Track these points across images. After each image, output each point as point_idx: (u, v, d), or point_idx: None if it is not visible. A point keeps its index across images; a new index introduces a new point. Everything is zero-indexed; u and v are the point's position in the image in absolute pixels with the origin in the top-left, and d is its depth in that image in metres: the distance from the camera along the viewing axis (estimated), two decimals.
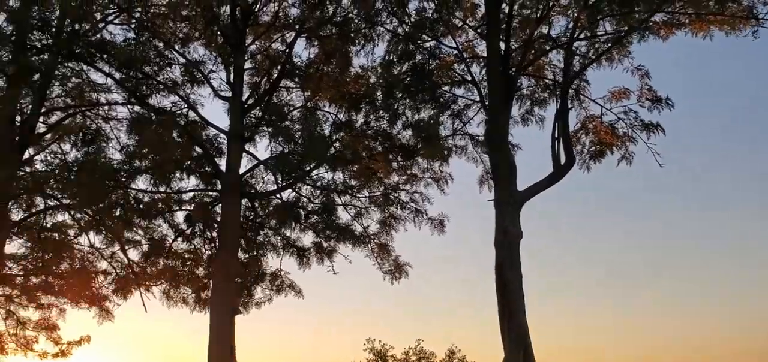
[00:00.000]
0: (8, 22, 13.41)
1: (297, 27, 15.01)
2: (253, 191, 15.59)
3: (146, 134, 14.65)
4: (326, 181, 15.54)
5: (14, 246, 15.96)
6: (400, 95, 14.29)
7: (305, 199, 15.75)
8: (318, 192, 15.62)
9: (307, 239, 16.05)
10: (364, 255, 15.57)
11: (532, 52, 14.02)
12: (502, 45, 13.63)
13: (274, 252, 16.11)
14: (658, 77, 13.76)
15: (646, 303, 31.57)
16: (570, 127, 13.24)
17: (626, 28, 12.96)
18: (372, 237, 15.60)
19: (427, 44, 14.06)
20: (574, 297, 32.18)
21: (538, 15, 13.66)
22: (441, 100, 14.31)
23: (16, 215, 15.83)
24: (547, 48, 14.25)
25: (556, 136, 12.86)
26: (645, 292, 31.62)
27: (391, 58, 14.21)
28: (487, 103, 13.60)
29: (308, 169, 15.03)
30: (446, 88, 14.69)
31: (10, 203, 14.96)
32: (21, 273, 16.54)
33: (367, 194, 15.66)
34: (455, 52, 14.33)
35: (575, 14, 12.98)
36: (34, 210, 16.00)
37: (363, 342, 21.43)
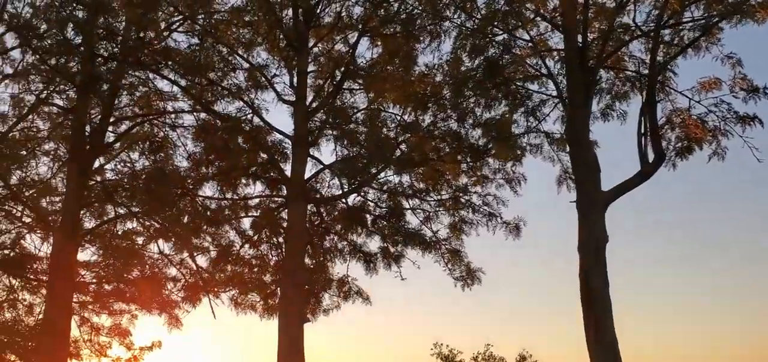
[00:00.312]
0: (76, 33, 13.53)
1: (360, 26, 14.63)
2: (318, 196, 15.29)
3: (212, 141, 14.60)
4: (392, 185, 15.07)
5: (86, 253, 16.26)
6: (469, 93, 13.63)
7: (371, 204, 15.32)
8: (384, 196, 15.15)
9: (374, 244, 15.65)
10: (434, 260, 15.03)
11: (611, 42, 13.08)
12: (579, 37, 12.75)
13: (340, 258, 15.78)
14: (754, 62, 12.59)
15: (744, 304, 29.70)
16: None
17: (719, 12, 11.88)
18: (442, 242, 15.00)
19: (500, 37, 13.34)
20: (666, 301, 30.63)
21: (618, 2, 12.73)
22: (517, 95, 13.54)
23: (89, 223, 16.10)
24: (627, 38, 13.29)
25: (643, 131, 11.94)
26: (742, 292, 29.73)
27: (459, 53, 13.55)
28: (565, 98, 12.76)
29: (374, 172, 14.61)
30: (518, 83, 13.89)
31: (82, 212, 15.16)
32: (94, 280, 16.81)
33: (435, 197, 15.08)
34: (529, 45, 13.55)
35: (663, 1, 11.98)
36: (105, 219, 16.22)
37: (430, 346, 21.10)
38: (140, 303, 16.98)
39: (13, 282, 17.31)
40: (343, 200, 15.32)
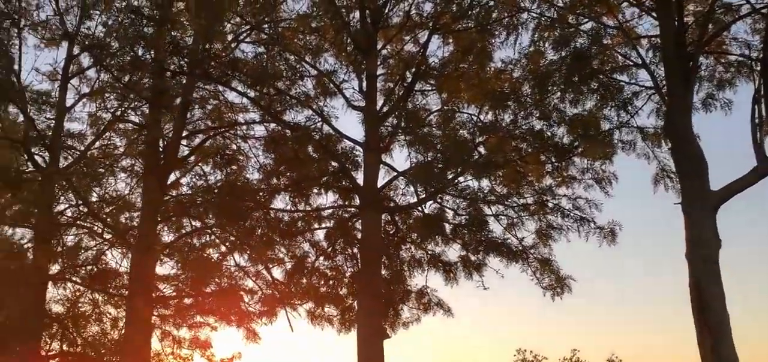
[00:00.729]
0: (145, 50, 13.50)
1: (430, 24, 13.88)
2: (392, 204, 14.64)
3: (282, 151, 14.26)
4: (471, 190, 14.18)
5: (166, 267, 16.32)
6: (553, 87, 12.60)
7: (450, 211, 14.47)
8: (464, 203, 14.28)
9: (453, 253, 14.80)
10: (520, 270, 14.00)
11: (712, 24, 11.75)
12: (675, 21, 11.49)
13: (418, 269, 15.03)
14: None
15: None
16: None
17: None
18: (529, 250, 13.96)
19: (586, 25, 12.25)
20: None
21: None
22: (610, 87, 12.39)
23: (167, 237, 16.16)
24: (729, 20, 11.91)
25: (758, 121, 10.59)
26: None
27: (540, 46, 12.56)
28: (663, 89, 11.52)
29: (450, 177, 13.80)
30: (607, 75, 12.72)
31: (159, 226, 15.20)
32: (174, 293, 16.88)
33: (518, 202, 14.05)
34: (618, 32, 12.38)
35: None
36: (182, 232, 16.23)
37: (514, 352, 20.65)
38: (219, 316, 16.94)
39: (97, 296, 17.72)
40: (419, 208, 14.60)
